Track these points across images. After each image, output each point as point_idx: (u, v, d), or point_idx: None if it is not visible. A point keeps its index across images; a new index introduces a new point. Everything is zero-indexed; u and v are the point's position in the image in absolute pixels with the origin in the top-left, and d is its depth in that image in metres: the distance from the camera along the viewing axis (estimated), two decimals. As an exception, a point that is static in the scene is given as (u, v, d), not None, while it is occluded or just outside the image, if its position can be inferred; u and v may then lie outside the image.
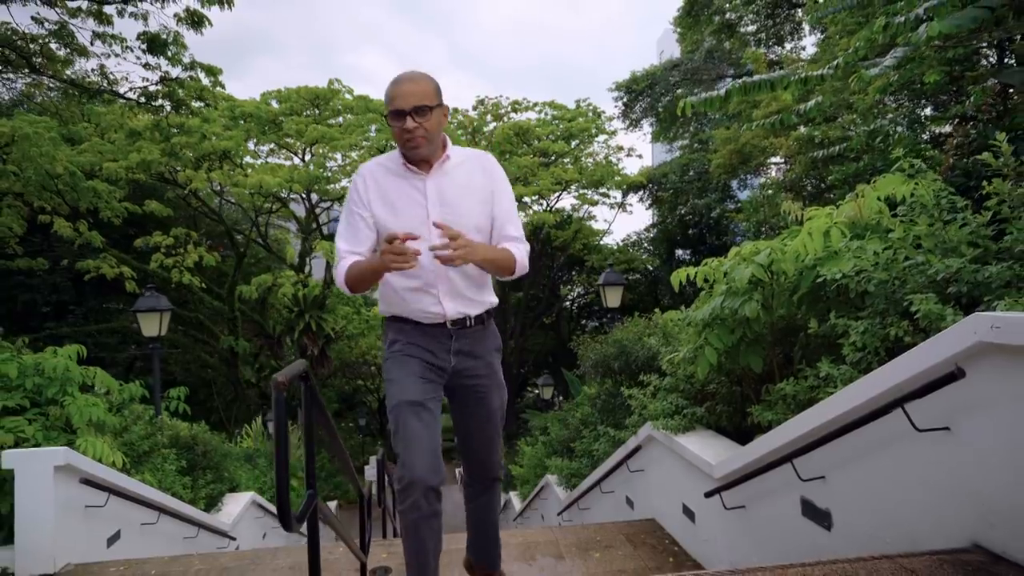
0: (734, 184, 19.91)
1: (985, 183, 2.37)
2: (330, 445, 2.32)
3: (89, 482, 3.85)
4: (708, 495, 3.32)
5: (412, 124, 1.99)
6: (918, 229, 2.54)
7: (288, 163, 20.25)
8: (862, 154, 6.81)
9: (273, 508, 7.69)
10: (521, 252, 2.21)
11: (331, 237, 21.11)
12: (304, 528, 1.83)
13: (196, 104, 11.13)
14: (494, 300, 2.31)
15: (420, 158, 2.09)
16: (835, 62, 5.69)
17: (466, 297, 2.17)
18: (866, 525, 2.30)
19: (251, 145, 19.48)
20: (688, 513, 3.85)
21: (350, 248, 2.15)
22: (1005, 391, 1.73)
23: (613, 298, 9.98)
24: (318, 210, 21.27)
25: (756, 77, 4.97)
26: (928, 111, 9.46)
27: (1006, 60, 8.89)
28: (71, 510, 3.79)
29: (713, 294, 3.75)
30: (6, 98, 15.57)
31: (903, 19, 4.24)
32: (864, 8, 7.15)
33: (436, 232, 2.00)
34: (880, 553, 1.90)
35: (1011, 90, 4.21)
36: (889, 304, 2.46)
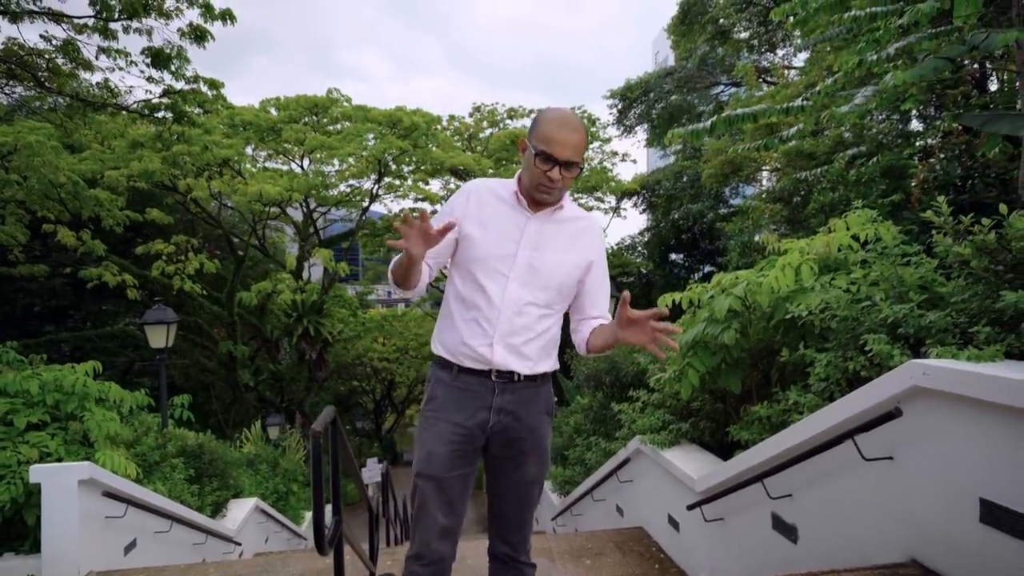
0: (727, 191, 20.24)
1: (935, 232, 2.64)
2: (346, 464, 2.57)
3: (110, 494, 4.09)
4: (690, 508, 3.58)
5: (558, 176, 1.90)
6: (875, 271, 2.81)
7: (286, 168, 20.46)
8: (838, 185, 7.12)
9: (275, 514, 7.95)
10: None
11: (327, 243, 21.34)
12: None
13: (197, 111, 11.28)
14: (553, 366, 2.12)
15: (545, 204, 2.01)
16: (816, 88, 5.98)
17: (520, 352, 1.99)
18: (827, 540, 2.57)
19: (249, 151, 19.69)
20: (673, 523, 4.10)
21: None
22: (936, 428, 2.00)
23: (606, 308, 10.20)
24: (315, 215, 21.47)
25: (740, 111, 5.25)
26: (916, 123, 9.79)
27: (989, 76, 9.21)
28: (93, 520, 4.03)
29: (696, 318, 4.01)
30: (4, 103, 15.68)
31: (876, 57, 4.51)
32: (849, 31, 7.45)
33: (517, 270, 1.96)
34: (828, 568, 2.17)
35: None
36: (849, 339, 2.73)
